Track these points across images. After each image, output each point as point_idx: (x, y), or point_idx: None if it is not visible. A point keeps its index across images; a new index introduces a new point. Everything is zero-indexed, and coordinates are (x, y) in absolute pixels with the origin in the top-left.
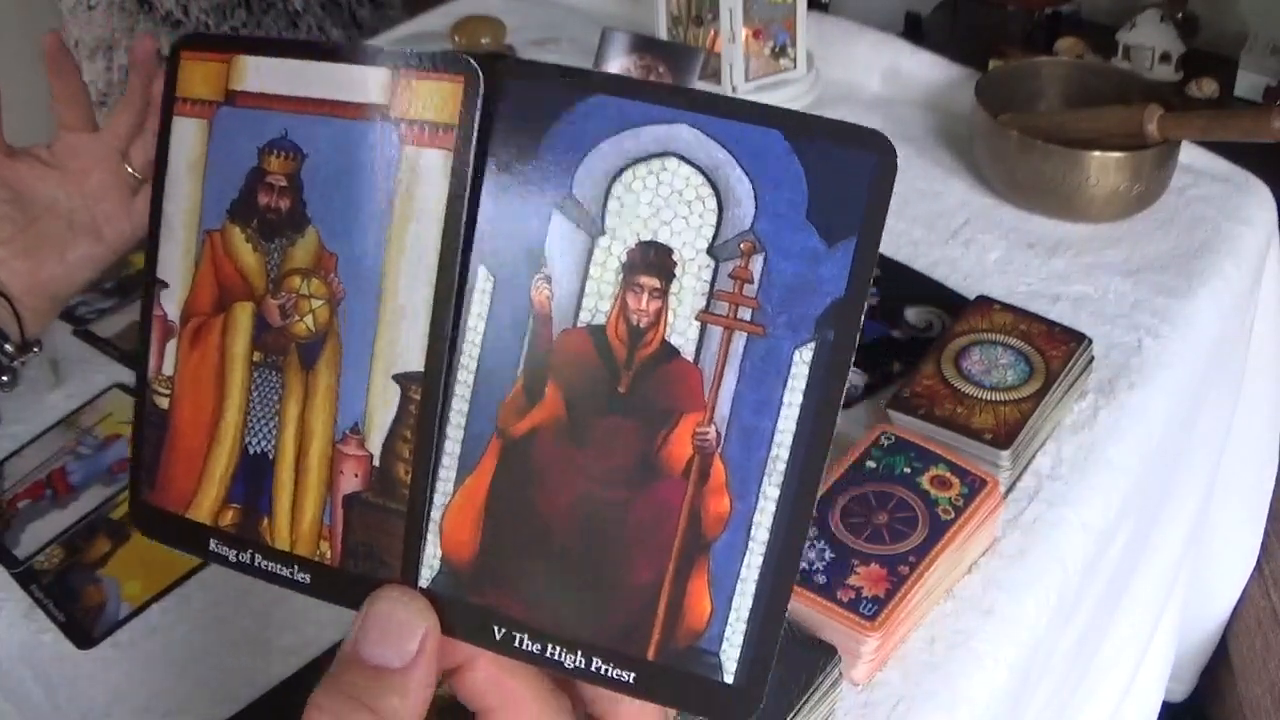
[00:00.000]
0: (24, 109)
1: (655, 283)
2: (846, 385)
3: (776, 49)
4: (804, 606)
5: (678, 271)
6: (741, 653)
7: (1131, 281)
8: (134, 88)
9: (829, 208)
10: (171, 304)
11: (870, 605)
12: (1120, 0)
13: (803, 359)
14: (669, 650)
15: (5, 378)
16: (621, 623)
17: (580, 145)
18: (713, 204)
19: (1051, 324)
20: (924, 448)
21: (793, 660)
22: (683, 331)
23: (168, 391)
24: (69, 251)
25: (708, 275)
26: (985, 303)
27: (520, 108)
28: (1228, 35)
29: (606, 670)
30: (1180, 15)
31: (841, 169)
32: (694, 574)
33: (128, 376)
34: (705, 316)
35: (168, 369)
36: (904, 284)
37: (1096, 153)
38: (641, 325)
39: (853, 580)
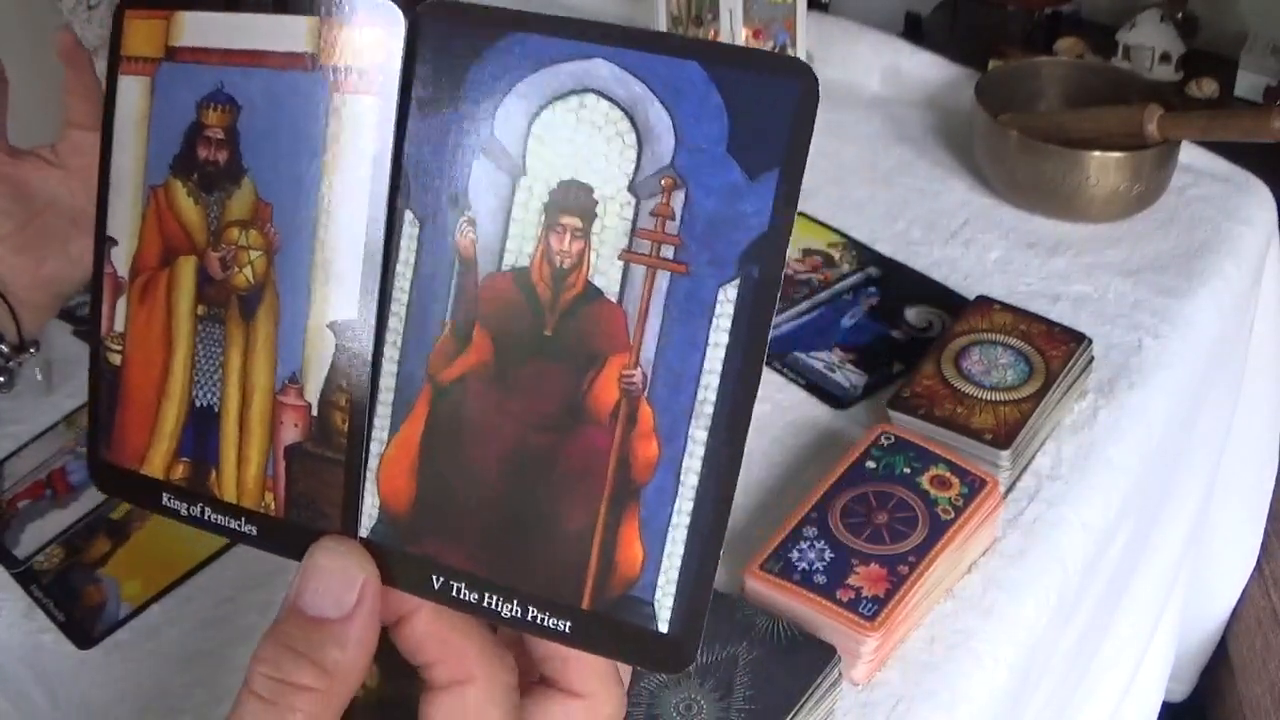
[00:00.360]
0: (24, 109)
1: (577, 222)
2: (772, 323)
3: (776, 49)
4: (804, 606)
5: (599, 210)
6: (675, 601)
7: (1131, 281)
8: (72, 82)
9: (750, 140)
10: (121, 261)
11: (870, 605)
12: (1120, 0)
13: (727, 297)
14: (603, 599)
15: (1, 379)
16: (556, 571)
17: (501, 85)
18: (632, 140)
19: (1051, 324)
20: (924, 448)
21: (793, 660)
22: (605, 271)
23: (120, 348)
24: (72, 246)
25: (629, 213)
26: (985, 303)
27: (441, 50)
28: (1228, 35)
29: (543, 619)
30: (1180, 15)
31: (762, 99)
32: (625, 520)
33: None
34: (628, 255)
35: (119, 326)
36: (904, 284)
37: (1096, 153)
38: (565, 266)
39: (852, 580)
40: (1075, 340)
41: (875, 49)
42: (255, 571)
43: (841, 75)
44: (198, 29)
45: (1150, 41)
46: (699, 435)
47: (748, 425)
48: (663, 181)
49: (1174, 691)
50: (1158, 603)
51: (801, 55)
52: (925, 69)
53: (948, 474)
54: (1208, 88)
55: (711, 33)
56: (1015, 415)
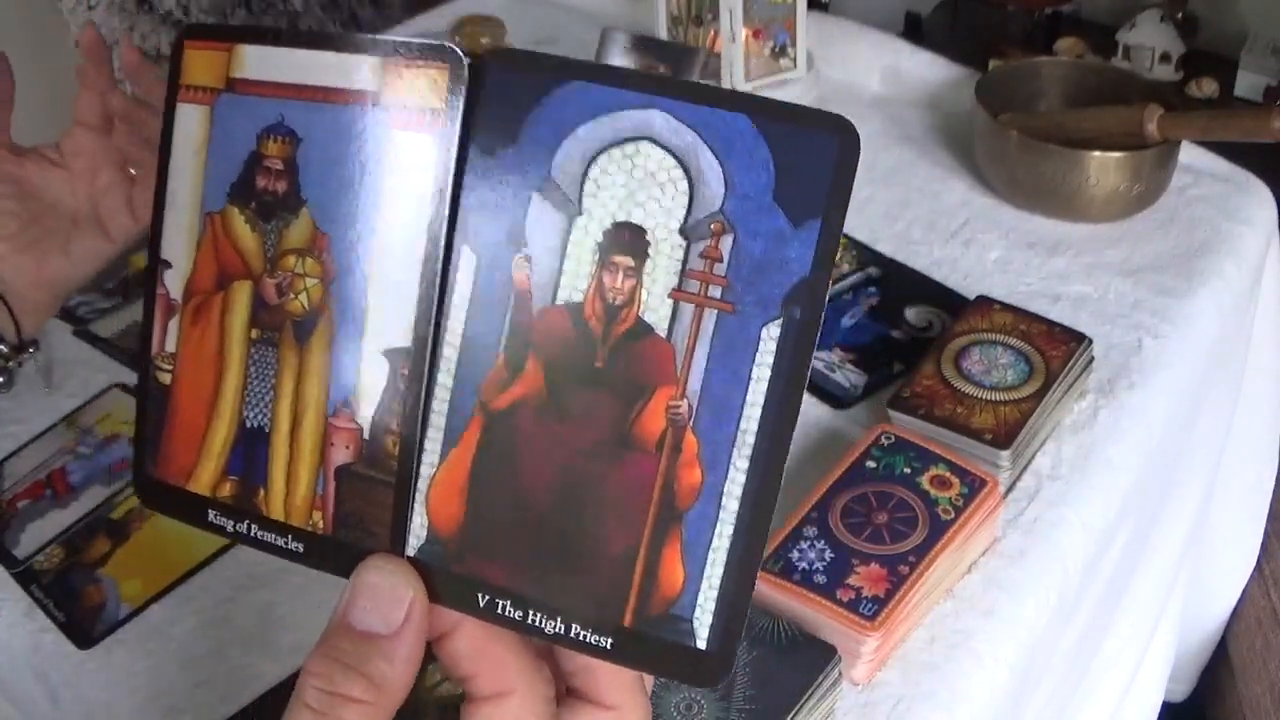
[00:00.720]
0: (23, 109)
1: (629, 261)
2: (812, 360)
3: (776, 49)
4: (804, 606)
5: (651, 251)
6: (713, 619)
7: (1131, 281)
8: (89, 76)
9: (794, 189)
10: (174, 283)
11: (870, 605)
12: (1120, 0)
13: (770, 335)
14: (644, 617)
15: (1, 379)
16: (599, 590)
17: (559, 130)
18: (684, 186)
19: (1051, 324)
20: (924, 448)
21: (793, 660)
22: (656, 309)
23: (170, 368)
24: (73, 245)
25: (679, 254)
26: (985, 303)
27: (502, 94)
28: (1228, 35)
29: (585, 636)
30: (1180, 15)
31: (806, 151)
32: (668, 543)
33: (128, 376)
34: (677, 294)
35: (170, 346)
36: (904, 284)
37: (1096, 153)
38: (617, 302)
39: (853, 580)
40: (1075, 340)
41: (875, 49)
42: (255, 572)
43: (841, 75)
44: (259, 62)
45: (1150, 41)
46: (740, 464)
47: (786, 455)
48: (712, 226)
49: (1174, 691)
50: (1158, 603)
51: (801, 55)
52: (925, 69)
53: (948, 474)
54: (1208, 88)
55: (711, 32)
56: (1015, 415)
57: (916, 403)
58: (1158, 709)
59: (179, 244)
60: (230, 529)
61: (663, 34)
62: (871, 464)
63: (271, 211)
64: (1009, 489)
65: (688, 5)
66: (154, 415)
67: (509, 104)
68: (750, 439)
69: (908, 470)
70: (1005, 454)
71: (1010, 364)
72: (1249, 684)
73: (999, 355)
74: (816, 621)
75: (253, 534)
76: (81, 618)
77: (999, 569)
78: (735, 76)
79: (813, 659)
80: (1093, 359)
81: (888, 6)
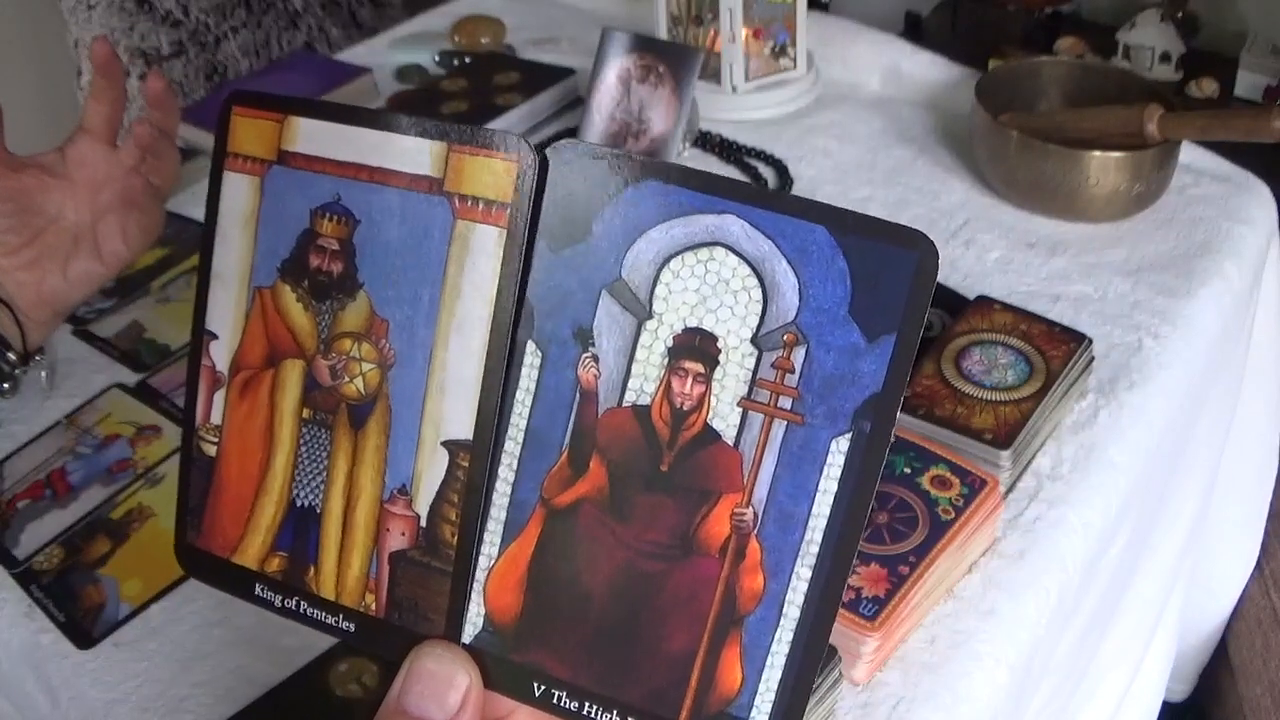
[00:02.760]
0: (23, 109)
1: (699, 368)
2: (880, 474)
3: (776, 49)
4: None
5: (722, 359)
6: (770, 719)
7: (1131, 281)
8: (100, 88)
9: (871, 304)
10: (220, 355)
11: (870, 605)
12: (1120, 0)
13: (839, 449)
14: (701, 714)
15: (6, 385)
16: (656, 686)
17: (631, 230)
18: (758, 295)
19: (1051, 324)
20: (924, 448)
21: None
22: (725, 416)
23: (215, 440)
24: (70, 267)
25: (750, 364)
26: (985, 303)
27: (573, 189)
28: (1228, 35)
29: None
30: (1180, 15)
31: (884, 267)
32: (727, 645)
33: (127, 376)
34: (747, 404)
35: (215, 418)
36: None
37: (1096, 153)
38: (685, 408)
39: (853, 580)
40: (1075, 340)
41: (875, 49)
42: None
43: (841, 75)
44: (313, 137)
45: (1150, 41)
46: (804, 573)
47: (850, 566)
48: (785, 337)
49: (1174, 691)
50: (1158, 603)
51: (801, 55)
52: (925, 69)
53: (948, 474)
54: (1208, 88)
55: (711, 32)
56: (1015, 415)
57: (916, 403)
58: (1158, 709)
59: (226, 316)
60: (279, 604)
61: (663, 34)
62: None
63: (326, 292)
64: (1009, 489)
65: (688, 5)
66: (198, 486)
67: (581, 200)
68: (814, 549)
69: (908, 470)
70: (1005, 454)
71: (1010, 364)
72: (1249, 684)
73: (999, 355)
74: None
75: (302, 610)
76: (81, 618)
77: (999, 569)
78: (735, 76)
79: None
80: (1093, 359)
81: (888, 6)
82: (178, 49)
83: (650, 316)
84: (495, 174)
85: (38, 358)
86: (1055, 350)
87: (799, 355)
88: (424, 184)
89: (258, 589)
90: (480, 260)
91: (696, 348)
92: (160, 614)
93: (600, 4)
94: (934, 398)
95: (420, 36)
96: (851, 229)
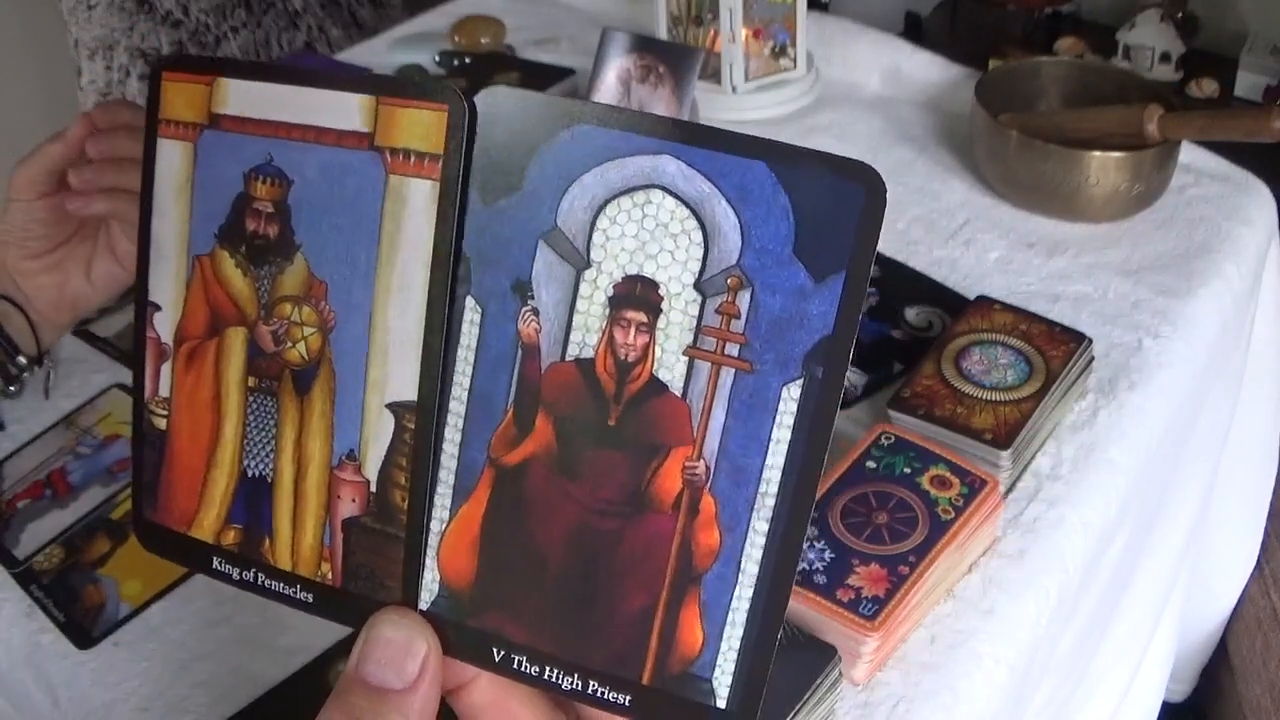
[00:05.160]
0: (23, 109)
1: (642, 317)
2: (835, 420)
3: (776, 49)
4: (804, 606)
5: (664, 306)
6: (734, 679)
7: (1131, 281)
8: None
9: (817, 242)
10: (165, 327)
11: (870, 605)
12: (1120, 0)
13: (791, 395)
14: (663, 675)
15: (12, 387)
16: (617, 648)
17: (565, 176)
18: (699, 238)
19: (1051, 324)
20: (924, 448)
21: (793, 660)
22: (670, 366)
23: (165, 413)
24: (95, 268)
25: (694, 310)
26: (985, 303)
27: (504, 137)
28: (1228, 35)
29: (603, 693)
30: (1180, 15)
31: (829, 202)
32: (686, 603)
33: (127, 376)
34: (692, 352)
35: (164, 391)
36: (904, 284)
37: (1096, 153)
38: (629, 359)
39: (853, 580)
40: (1075, 340)
41: (875, 49)
42: None
43: (841, 75)
44: (243, 98)
45: (1150, 41)
46: (760, 526)
47: (808, 517)
48: (729, 280)
49: (1174, 691)
50: (1158, 603)
51: (801, 55)
52: (925, 69)
53: (948, 474)
54: (1208, 88)
55: (711, 32)
56: (1015, 415)
57: (916, 403)
58: (1158, 709)
59: (166, 287)
60: (236, 577)
61: (663, 34)
62: (871, 464)
63: (264, 256)
64: (1009, 489)
65: (688, 5)
66: (151, 460)
67: (512, 147)
68: (770, 501)
69: (908, 470)
70: (1005, 454)
71: (1010, 364)
72: (1249, 684)
73: (999, 355)
74: (816, 621)
75: (260, 582)
76: (81, 618)
77: (999, 569)
78: (735, 76)
79: (812, 659)
80: (1093, 359)
81: (888, 6)
82: (178, 49)
83: (589, 265)
84: (425, 125)
85: (45, 360)
86: (1055, 350)
87: (744, 299)
88: (355, 139)
89: (215, 562)
90: (414, 215)
91: (638, 296)
92: (160, 614)
93: (600, 4)
94: (934, 398)
95: (420, 36)
96: (793, 163)
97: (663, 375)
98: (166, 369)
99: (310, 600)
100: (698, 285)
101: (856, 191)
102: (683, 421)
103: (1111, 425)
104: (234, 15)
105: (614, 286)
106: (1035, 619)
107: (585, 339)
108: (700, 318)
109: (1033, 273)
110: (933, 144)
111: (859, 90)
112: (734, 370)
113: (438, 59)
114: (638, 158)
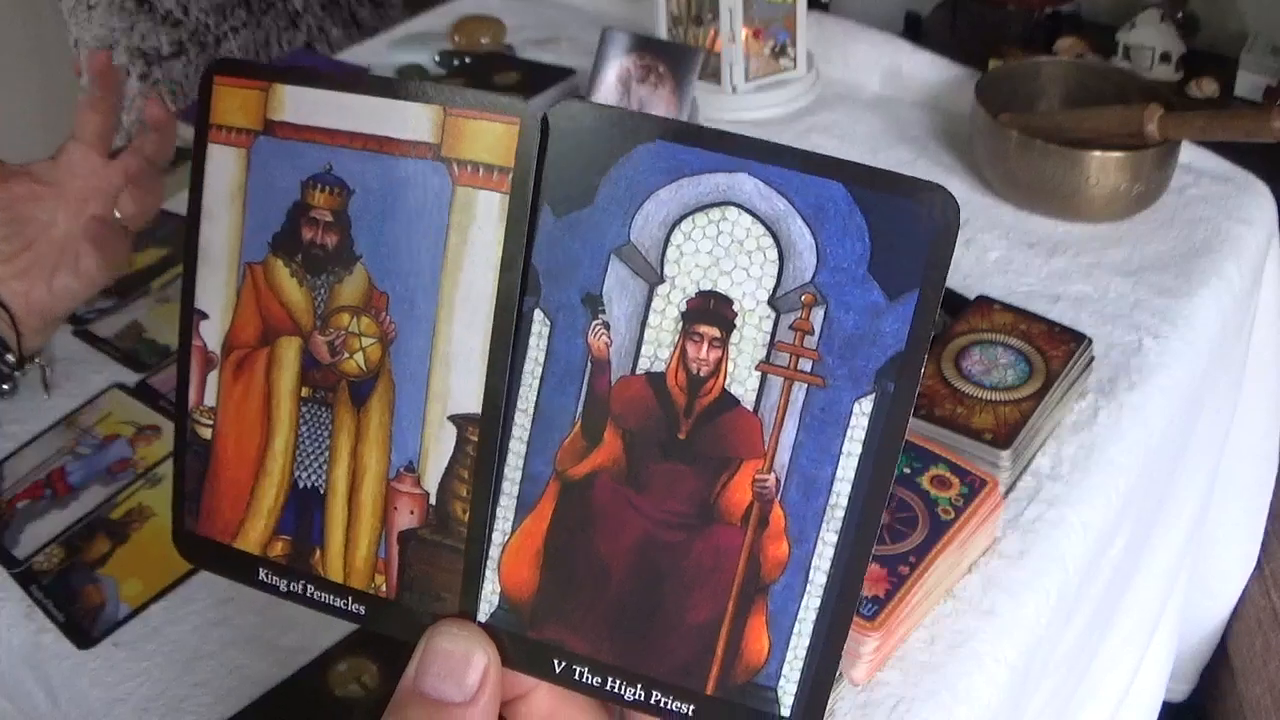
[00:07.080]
0: (23, 109)
1: (715, 332)
2: (905, 435)
3: (776, 49)
4: None
5: (738, 322)
6: (798, 688)
7: (1131, 281)
8: (95, 98)
9: (891, 262)
10: (212, 335)
11: (870, 605)
12: (1120, 0)
13: (862, 410)
14: (727, 685)
15: (5, 386)
16: (681, 658)
17: (638, 191)
18: (774, 255)
19: (1051, 324)
20: (924, 448)
21: None
22: (743, 381)
23: (210, 422)
24: (55, 279)
25: (768, 326)
26: (985, 303)
27: (577, 151)
28: (1228, 35)
29: (666, 703)
30: (1180, 15)
31: (904, 223)
32: (752, 614)
33: (127, 376)
34: (765, 367)
35: (209, 400)
36: None
37: (1096, 153)
38: (701, 374)
39: None
40: (1075, 340)
41: (875, 49)
42: None
43: (841, 75)
44: (301, 105)
45: (1150, 41)
46: (829, 538)
47: (877, 529)
48: (803, 297)
49: (1174, 691)
50: (1158, 603)
51: (801, 55)
52: (925, 69)
53: (948, 474)
54: (1208, 88)
55: (711, 32)
56: (1015, 415)
57: (916, 402)
58: (1158, 709)
59: (215, 295)
60: (284, 588)
61: (663, 34)
62: None
63: (321, 265)
64: (1009, 489)
65: (688, 5)
66: (194, 470)
67: (585, 162)
68: (839, 514)
69: (908, 470)
70: (1005, 454)
71: (1010, 364)
72: (1249, 684)
73: (999, 355)
74: None
75: (309, 594)
76: (81, 618)
77: (999, 569)
78: (735, 76)
79: None
80: (1093, 359)
81: (888, 6)
82: (178, 49)
83: (662, 281)
84: (495, 137)
85: (36, 360)
86: (1055, 350)
87: (818, 316)
88: (420, 150)
89: (261, 574)
90: (482, 228)
91: (711, 311)
92: (160, 614)
93: (600, 4)
94: (934, 398)
95: (420, 36)
96: (869, 184)
97: (735, 390)
98: (213, 378)
99: (362, 612)
100: (772, 301)
101: (930, 212)
102: (754, 435)
103: (1111, 425)
104: (234, 15)
105: (687, 302)
106: (1035, 619)
107: (657, 353)
108: (774, 334)
109: (1033, 273)
110: (933, 144)
111: (859, 90)
112: (806, 385)
113: (437, 59)
114: (713, 174)
